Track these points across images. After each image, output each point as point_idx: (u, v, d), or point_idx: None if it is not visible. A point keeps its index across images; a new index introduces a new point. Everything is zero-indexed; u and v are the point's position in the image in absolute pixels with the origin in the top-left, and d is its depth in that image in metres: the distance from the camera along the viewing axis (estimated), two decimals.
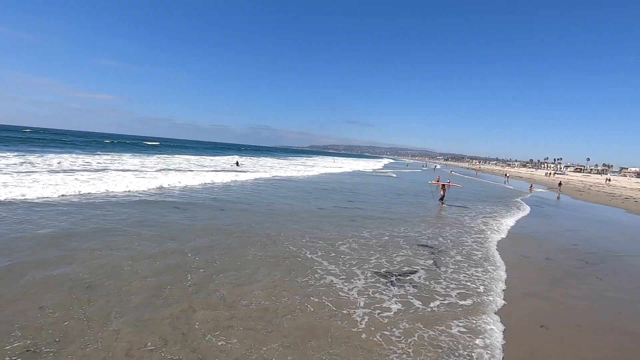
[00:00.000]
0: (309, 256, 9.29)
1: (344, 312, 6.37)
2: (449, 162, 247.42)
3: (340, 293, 7.15)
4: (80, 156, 36.99)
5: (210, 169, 35.03)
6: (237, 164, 45.47)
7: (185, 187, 20.45)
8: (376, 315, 6.35)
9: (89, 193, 15.52)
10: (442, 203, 21.92)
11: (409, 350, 5.35)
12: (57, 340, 4.93)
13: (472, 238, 12.89)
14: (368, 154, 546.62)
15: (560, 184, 49.27)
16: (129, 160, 38.15)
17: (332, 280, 7.75)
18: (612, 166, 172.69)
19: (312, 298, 6.83)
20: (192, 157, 53.85)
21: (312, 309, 6.40)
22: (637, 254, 13.15)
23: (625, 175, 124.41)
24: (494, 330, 6.10)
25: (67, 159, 31.86)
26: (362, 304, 6.74)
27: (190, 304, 6.20)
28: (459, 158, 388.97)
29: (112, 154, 46.25)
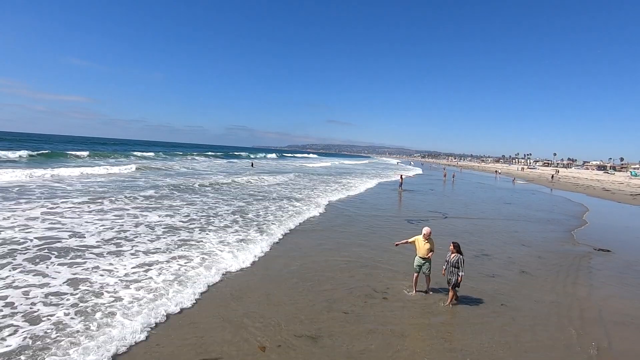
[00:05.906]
0: None
1: None
2: (429, 160, 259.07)
3: None
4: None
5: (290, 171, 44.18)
6: (252, 165, 54.23)
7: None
8: None
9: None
10: (401, 190, 28.65)
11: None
12: None
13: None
14: (346, 153, 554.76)
15: (552, 177, 57.48)
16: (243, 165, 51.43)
17: None
18: (576, 160, 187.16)
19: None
20: (223, 161, 61.21)
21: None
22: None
23: (587, 168, 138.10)
24: None
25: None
26: None
27: None
28: (435, 155, 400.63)
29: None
